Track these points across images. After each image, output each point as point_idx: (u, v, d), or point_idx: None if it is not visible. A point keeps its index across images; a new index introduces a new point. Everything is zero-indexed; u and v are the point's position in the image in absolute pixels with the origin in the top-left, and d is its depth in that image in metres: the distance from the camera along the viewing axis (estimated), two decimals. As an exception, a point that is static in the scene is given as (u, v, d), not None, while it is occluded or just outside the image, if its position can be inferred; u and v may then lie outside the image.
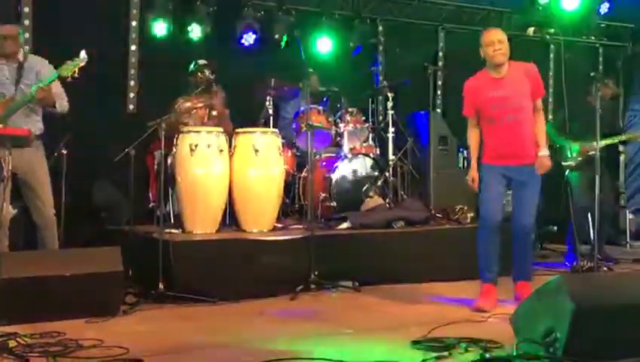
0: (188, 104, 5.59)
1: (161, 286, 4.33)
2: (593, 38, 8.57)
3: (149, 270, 4.47)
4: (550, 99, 8.23)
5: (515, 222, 4.33)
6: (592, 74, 6.18)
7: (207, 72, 5.65)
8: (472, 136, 4.40)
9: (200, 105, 5.61)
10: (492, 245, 4.27)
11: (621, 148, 8.24)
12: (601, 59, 8.77)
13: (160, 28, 6.47)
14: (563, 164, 6.07)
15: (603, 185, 5.60)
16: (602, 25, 8.54)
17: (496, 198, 4.29)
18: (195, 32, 6.61)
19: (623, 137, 6.28)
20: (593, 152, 5.92)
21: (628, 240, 7.72)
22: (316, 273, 4.71)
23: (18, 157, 4.15)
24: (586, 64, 8.21)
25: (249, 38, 6.80)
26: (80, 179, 5.50)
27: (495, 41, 4.19)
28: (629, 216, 7.94)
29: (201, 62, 5.72)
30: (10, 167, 3.98)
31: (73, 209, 5.11)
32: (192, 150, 4.95)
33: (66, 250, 4.49)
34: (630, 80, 8.66)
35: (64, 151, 5.05)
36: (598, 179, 4.66)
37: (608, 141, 5.94)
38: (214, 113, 5.66)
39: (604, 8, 8.09)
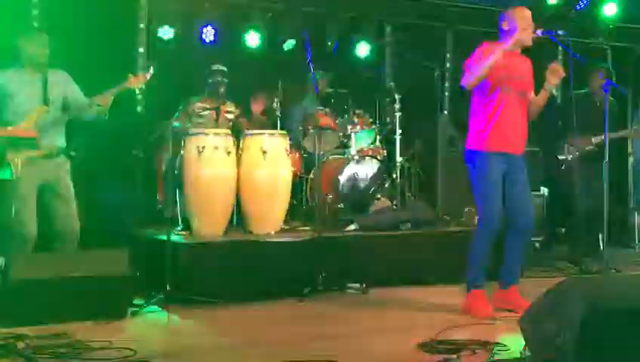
0: (198, 105, 5.62)
1: (168, 287, 4.33)
2: (602, 39, 8.54)
3: (157, 272, 4.47)
4: (559, 101, 8.21)
5: (520, 221, 4.13)
6: (601, 65, 6.16)
7: (219, 76, 5.67)
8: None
9: (210, 107, 5.63)
10: (490, 248, 4.13)
11: (629, 148, 8.21)
12: (610, 60, 8.73)
13: (168, 30, 6.49)
14: (559, 157, 6.05)
15: (598, 184, 5.59)
16: (611, 26, 8.50)
17: (500, 197, 4.08)
18: (203, 34, 6.64)
19: (621, 134, 6.22)
20: (590, 147, 5.94)
21: (637, 242, 7.68)
22: (324, 275, 4.70)
23: (44, 165, 4.28)
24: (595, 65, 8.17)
25: (254, 40, 6.83)
26: (88, 181, 5.51)
27: (529, 18, 4.13)
28: (638, 217, 7.89)
29: (215, 67, 5.74)
30: (20, 169, 4.03)
31: (81, 211, 5.12)
32: (199, 152, 4.95)
33: (73, 251, 4.50)
34: (639, 82, 8.61)
35: (72, 154, 5.07)
36: (607, 185, 4.64)
37: (595, 139, 5.92)
38: (230, 116, 5.69)
39: (611, 10, 8.08)
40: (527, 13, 4.16)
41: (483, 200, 4.12)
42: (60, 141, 4.48)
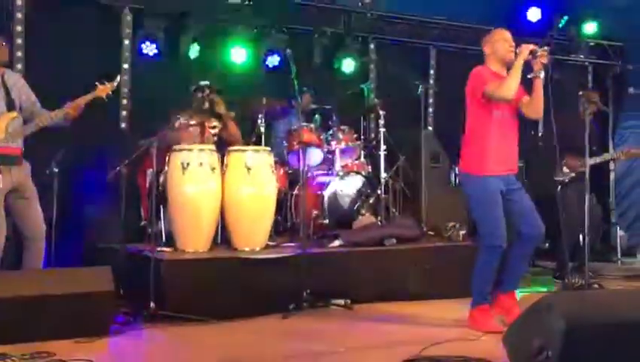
0: (182, 121, 5.60)
1: (152, 305, 4.30)
2: (582, 57, 8.67)
3: (141, 289, 4.44)
4: (541, 127, 8.28)
5: (532, 231, 4.16)
6: (580, 93, 6.23)
7: (204, 92, 5.67)
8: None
9: (195, 122, 5.62)
10: (497, 266, 4.15)
11: (611, 165, 8.30)
12: (590, 77, 8.85)
13: (152, 46, 6.49)
14: (555, 178, 6.09)
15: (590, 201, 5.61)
16: (591, 44, 8.64)
17: (503, 217, 4.09)
18: (187, 50, 6.64)
19: (614, 155, 6.32)
20: (584, 168, 5.97)
21: (619, 256, 7.74)
22: (308, 291, 4.69)
23: (12, 171, 4.23)
24: (576, 82, 8.28)
25: (240, 56, 6.86)
26: (71, 197, 5.48)
27: (510, 39, 4.18)
28: (620, 232, 7.97)
29: (203, 83, 5.73)
30: (1, 185, 3.99)
31: (64, 227, 5.08)
32: (183, 168, 4.94)
33: (56, 269, 4.46)
34: (620, 98, 8.73)
35: (56, 169, 5.04)
36: (588, 197, 4.68)
37: (598, 160, 5.95)
38: (214, 132, 5.67)
39: (591, 28, 8.22)
40: (507, 34, 4.22)
41: (487, 223, 4.11)
42: (21, 146, 4.41)
